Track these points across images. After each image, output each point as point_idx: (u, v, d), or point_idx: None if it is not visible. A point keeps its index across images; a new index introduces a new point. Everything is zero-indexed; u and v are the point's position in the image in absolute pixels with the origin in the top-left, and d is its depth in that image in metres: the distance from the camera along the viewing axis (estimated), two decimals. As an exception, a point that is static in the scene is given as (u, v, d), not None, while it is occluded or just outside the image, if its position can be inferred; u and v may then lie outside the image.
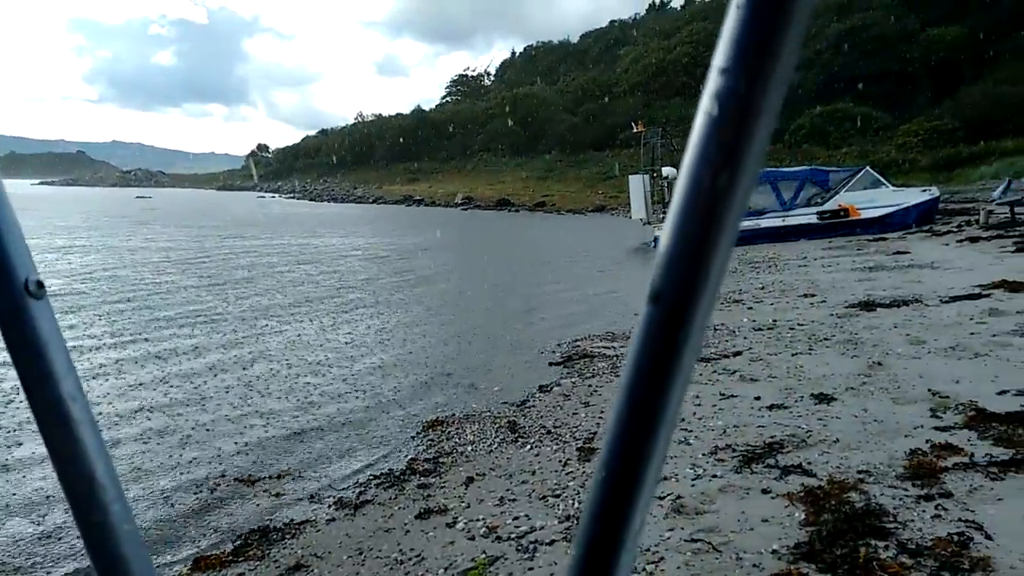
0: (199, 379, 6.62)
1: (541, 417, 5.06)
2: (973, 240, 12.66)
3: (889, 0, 58.37)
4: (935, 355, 5.25)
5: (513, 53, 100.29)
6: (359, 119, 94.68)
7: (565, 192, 50.27)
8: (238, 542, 3.52)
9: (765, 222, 16.90)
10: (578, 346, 7.49)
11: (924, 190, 17.27)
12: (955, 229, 14.91)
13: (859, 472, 3.26)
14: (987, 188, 21.92)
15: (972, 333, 5.80)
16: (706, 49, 64.88)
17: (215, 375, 6.76)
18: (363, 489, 4.13)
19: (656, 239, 11.59)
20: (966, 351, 5.25)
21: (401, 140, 73.82)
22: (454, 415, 5.38)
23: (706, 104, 0.32)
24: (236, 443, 4.95)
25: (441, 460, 4.40)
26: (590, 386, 5.78)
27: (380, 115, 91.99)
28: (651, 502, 0.41)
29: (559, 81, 78.64)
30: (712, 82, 0.32)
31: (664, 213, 15.49)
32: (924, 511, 2.83)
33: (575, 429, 4.63)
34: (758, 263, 13.17)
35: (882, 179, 17.21)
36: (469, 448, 4.56)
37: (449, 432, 4.96)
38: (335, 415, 5.56)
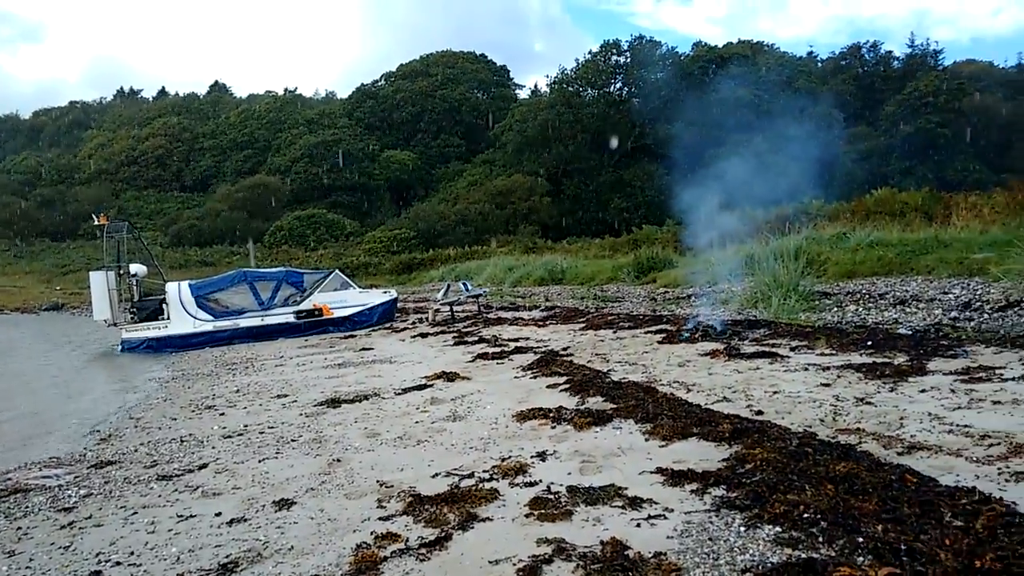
0: None
1: (-59, 583, 3.98)
2: (424, 336, 14.65)
3: (351, 121, 65.76)
4: (386, 446, 5.81)
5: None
6: None
7: (11, 287, 42.51)
8: None
9: (244, 322, 16.90)
10: (10, 479, 6.20)
11: (385, 291, 19.53)
12: (411, 326, 17.09)
13: (310, 578, 3.34)
14: (435, 290, 25.73)
15: (417, 422, 6.60)
16: (180, 143, 63.58)
17: None
18: None
19: (124, 342, 10.56)
20: (411, 439, 5.93)
21: None
22: None
23: None
24: None
25: None
26: (20, 528, 4.80)
27: None
28: None
29: (5, 160, 67.41)
30: None
31: (133, 313, 14.17)
32: (364, 605, 3.02)
33: (-12, 590, 3.75)
34: (235, 364, 12.98)
35: (349, 281, 18.93)
36: None
37: None
38: None
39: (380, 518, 4.08)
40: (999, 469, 3.80)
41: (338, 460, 5.49)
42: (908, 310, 9.58)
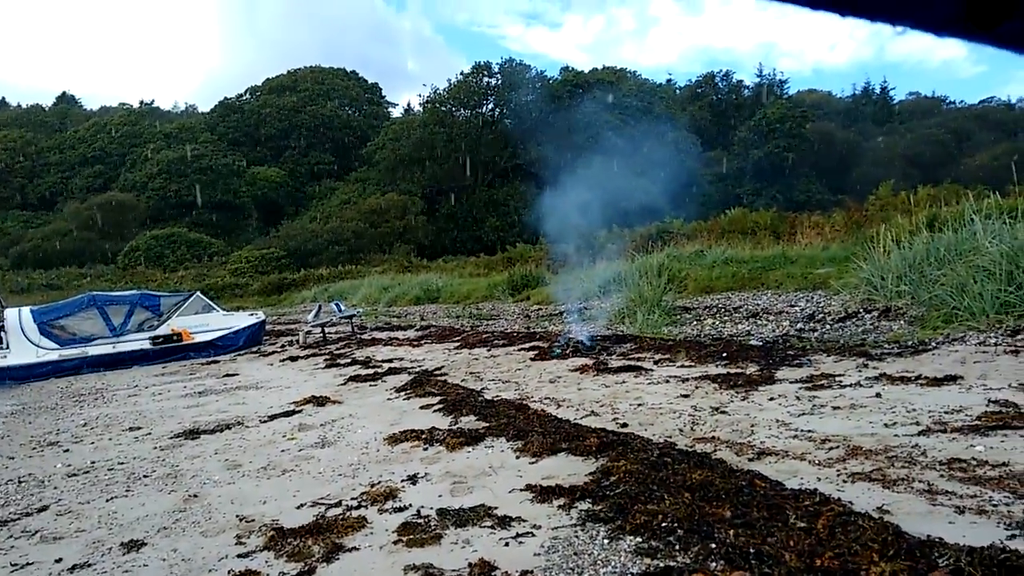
0: None
1: None
2: (294, 359, 14.14)
3: (214, 136, 62.97)
4: (248, 478, 5.53)
5: None
6: None
7: None
8: None
9: (93, 350, 15.69)
10: None
11: (252, 314, 18.69)
12: (280, 349, 16.47)
13: (159, 625, 3.11)
14: (307, 311, 24.94)
15: (283, 450, 6.34)
16: (23, 158, 58.56)
17: None
18: None
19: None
20: (276, 469, 5.68)
21: None
22: None
23: None
24: None
25: None
26: None
27: None
28: None
29: None
30: None
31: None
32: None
33: None
34: (84, 396, 12.01)
35: (212, 304, 18.00)
36: None
37: None
38: None
39: (239, 555, 3.87)
40: (838, 471, 4.10)
41: (194, 495, 5.17)
42: (759, 322, 10.23)
